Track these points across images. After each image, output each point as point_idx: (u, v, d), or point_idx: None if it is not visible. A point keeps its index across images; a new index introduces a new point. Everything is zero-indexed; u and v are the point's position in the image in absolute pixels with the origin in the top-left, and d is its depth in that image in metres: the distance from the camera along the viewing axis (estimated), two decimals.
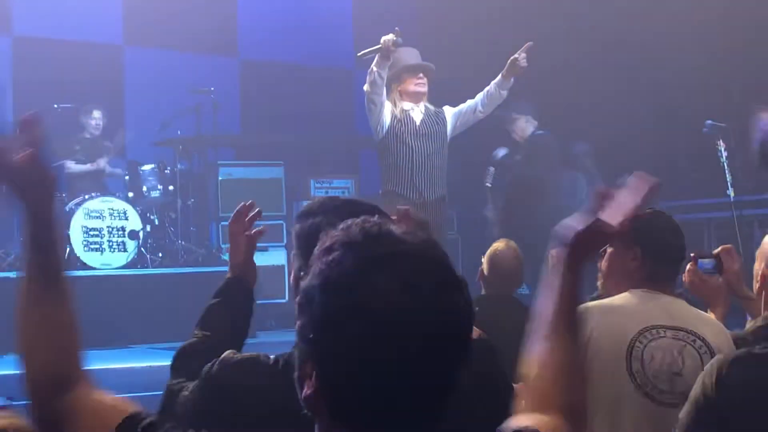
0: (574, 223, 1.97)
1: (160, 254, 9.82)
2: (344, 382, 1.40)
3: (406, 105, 7.33)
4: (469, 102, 7.49)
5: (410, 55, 7.46)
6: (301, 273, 2.39)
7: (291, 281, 2.48)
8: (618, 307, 3.27)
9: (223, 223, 10.32)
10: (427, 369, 1.39)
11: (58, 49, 10.91)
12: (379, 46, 7.04)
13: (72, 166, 10.03)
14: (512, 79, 7.36)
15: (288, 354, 2.39)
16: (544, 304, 1.97)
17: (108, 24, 11.46)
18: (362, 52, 7.23)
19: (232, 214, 3.02)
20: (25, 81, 10.92)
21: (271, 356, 2.43)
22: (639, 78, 10.31)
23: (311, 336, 1.41)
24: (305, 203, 2.59)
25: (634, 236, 3.35)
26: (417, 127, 7.27)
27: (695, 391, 2.43)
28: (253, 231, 2.95)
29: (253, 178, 10.56)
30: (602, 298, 3.44)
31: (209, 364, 2.46)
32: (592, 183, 11.14)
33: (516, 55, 7.27)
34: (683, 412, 2.46)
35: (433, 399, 1.42)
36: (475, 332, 3.03)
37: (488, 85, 7.44)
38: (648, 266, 3.33)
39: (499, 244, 5.26)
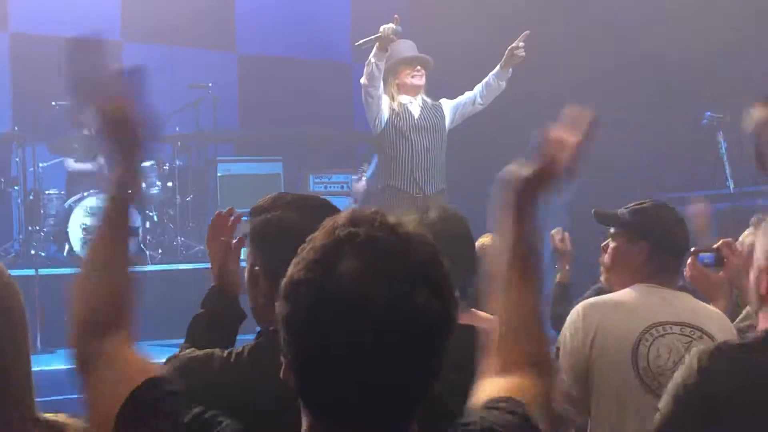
0: (518, 167, 1.92)
1: (160, 251, 9.81)
2: (300, 371, 1.43)
3: (404, 98, 7.30)
4: (468, 94, 7.46)
5: (407, 48, 7.43)
6: (255, 268, 2.40)
7: (246, 277, 2.47)
8: (622, 304, 3.25)
9: None
10: (375, 367, 1.38)
11: (55, 46, 10.86)
12: (378, 35, 7.00)
13: (71, 164, 10.01)
14: (510, 70, 7.34)
15: (246, 346, 2.38)
16: (496, 255, 1.92)
17: (106, 20, 11.43)
18: (361, 41, 7.21)
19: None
20: (23, 78, 10.90)
21: (226, 350, 2.42)
22: (637, 69, 10.29)
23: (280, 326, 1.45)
24: None
25: (641, 230, 3.34)
26: (415, 121, 7.24)
27: (675, 380, 2.41)
28: (234, 240, 2.92)
29: (252, 174, 10.54)
30: (605, 293, 3.43)
31: (174, 364, 2.44)
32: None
33: (514, 45, 7.26)
34: (663, 402, 2.43)
35: (385, 397, 1.41)
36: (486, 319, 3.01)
37: (486, 76, 7.42)
38: (655, 260, 3.32)
39: (485, 239, 5.26)
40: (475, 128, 8.06)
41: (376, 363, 1.38)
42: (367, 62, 7.06)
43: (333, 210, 2.35)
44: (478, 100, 7.42)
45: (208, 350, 2.45)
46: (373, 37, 7.07)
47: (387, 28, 6.95)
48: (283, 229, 2.30)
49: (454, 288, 1.48)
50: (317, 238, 1.45)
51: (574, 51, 10.50)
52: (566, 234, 4.84)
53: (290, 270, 1.45)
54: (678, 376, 2.39)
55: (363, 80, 7.16)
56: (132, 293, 1.87)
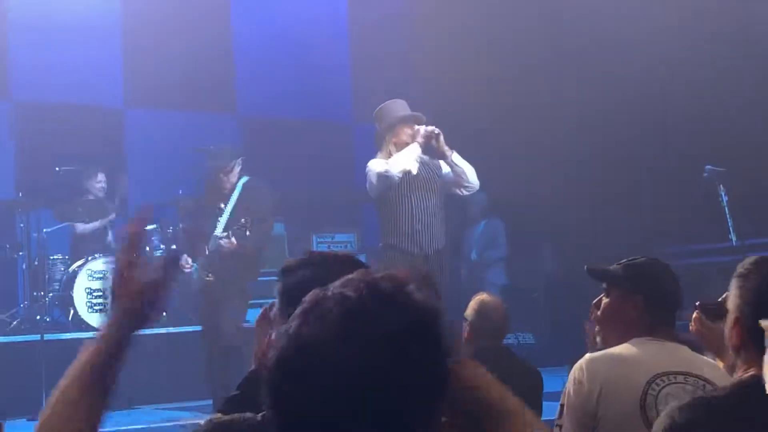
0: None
1: (164, 314, 9.80)
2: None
3: None
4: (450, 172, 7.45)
5: (400, 107, 7.47)
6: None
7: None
8: (625, 356, 3.25)
9: None
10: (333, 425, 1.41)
11: (58, 113, 10.97)
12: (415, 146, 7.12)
13: (76, 228, 10.05)
14: (450, 155, 7.33)
15: None
16: None
17: (108, 87, 11.54)
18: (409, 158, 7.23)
19: None
20: (26, 145, 10.97)
21: (259, 415, 2.42)
22: (637, 122, 10.35)
23: None
24: None
25: (635, 284, 3.35)
26: (414, 179, 7.24)
27: None
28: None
29: None
30: (600, 350, 3.42)
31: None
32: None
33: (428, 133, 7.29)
34: None
35: None
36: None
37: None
38: (650, 314, 3.33)
39: (483, 296, 5.27)
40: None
41: (331, 421, 1.41)
42: (409, 157, 7.12)
43: (360, 265, 2.39)
44: (463, 186, 7.42)
45: (240, 414, 2.45)
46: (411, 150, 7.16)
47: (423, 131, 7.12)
48: (305, 286, 2.31)
49: (428, 363, 1.48)
50: (312, 293, 1.53)
51: (572, 102, 10.57)
52: None
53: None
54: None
55: (383, 180, 7.15)
56: None
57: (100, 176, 10.18)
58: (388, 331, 1.44)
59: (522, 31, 10.90)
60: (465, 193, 7.46)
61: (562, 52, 10.73)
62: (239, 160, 8.51)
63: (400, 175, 7.11)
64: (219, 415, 2.50)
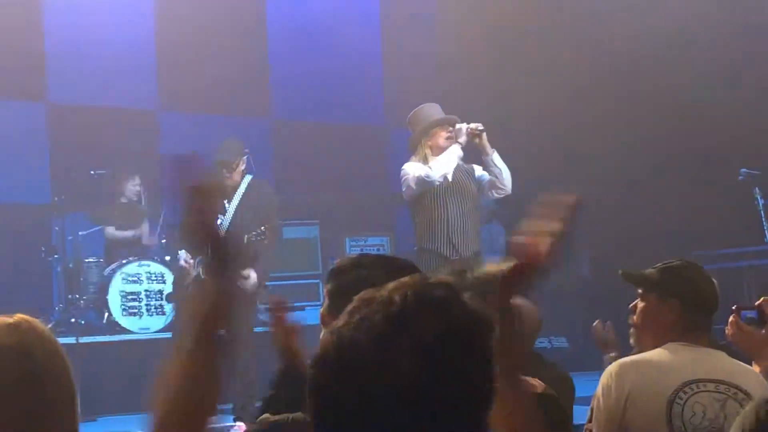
0: (497, 267, 1.95)
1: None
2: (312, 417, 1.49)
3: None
4: (487, 175, 7.42)
5: (435, 110, 7.46)
6: None
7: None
8: (655, 363, 3.23)
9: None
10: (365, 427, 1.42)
11: (93, 116, 11.04)
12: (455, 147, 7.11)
13: (111, 231, 10.11)
14: (491, 153, 7.30)
15: None
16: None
17: (142, 90, 11.60)
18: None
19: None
20: (61, 148, 11.05)
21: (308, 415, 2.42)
22: (673, 129, 10.29)
23: None
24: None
25: (671, 288, 3.32)
26: (450, 184, 7.23)
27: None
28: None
29: (288, 238, 10.57)
30: (635, 354, 3.40)
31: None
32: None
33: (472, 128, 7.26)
34: None
35: None
36: (540, 386, 3.02)
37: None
38: (686, 318, 3.30)
39: (519, 300, 5.24)
40: None
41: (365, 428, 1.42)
42: (450, 160, 7.10)
43: (415, 269, 2.40)
44: (497, 188, 7.39)
45: (290, 414, 2.46)
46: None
47: (467, 128, 7.09)
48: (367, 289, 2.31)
49: (469, 375, 1.48)
50: (364, 293, 1.52)
51: (608, 104, 10.51)
52: (609, 323, 4.80)
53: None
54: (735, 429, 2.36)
55: (422, 184, 7.13)
56: (215, 406, 1.91)
57: (136, 179, 10.22)
58: (427, 340, 1.43)
59: (557, 29, 10.86)
60: (496, 195, 7.43)
61: (597, 52, 10.67)
62: (245, 158, 8.35)
63: (442, 179, 7.10)
64: (267, 415, 2.51)
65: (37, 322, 2.26)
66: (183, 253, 8.18)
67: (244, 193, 8.17)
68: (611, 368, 3.26)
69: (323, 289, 2.74)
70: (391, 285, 1.51)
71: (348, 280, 2.43)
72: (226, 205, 8.13)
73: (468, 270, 3.07)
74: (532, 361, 4.92)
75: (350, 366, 1.43)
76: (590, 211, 10.86)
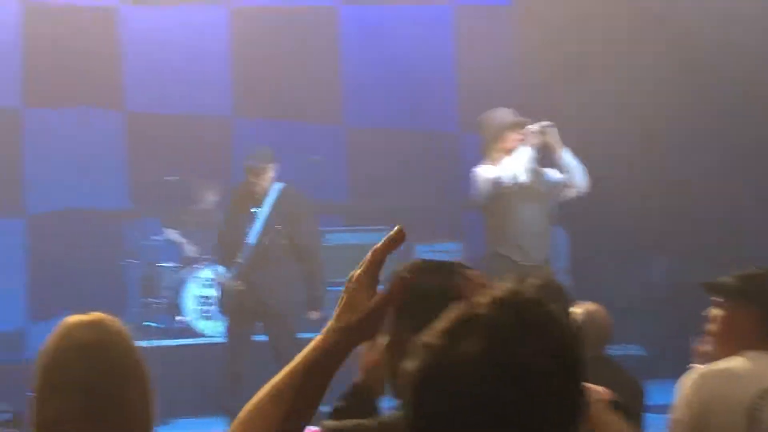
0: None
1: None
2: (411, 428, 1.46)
3: None
4: (558, 174, 7.37)
5: (506, 113, 7.43)
6: (404, 334, 2.39)
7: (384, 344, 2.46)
8: (735, 372, 3.19)
9: (330, 288, 10.37)
10: None
11: (169, 123, 11.20)
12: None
13: (185, 236, 10.21)
14: (562, 152, 7.23)
15: (392, 414, 2.38)
16: None
17: (217, 97, 11.73)
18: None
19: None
20: (138, 154, 11.22)
21: (375, 420, 2.42)
22: (754, 132, 10.14)
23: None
24: None
25: (750, 296, 3.28)
26: (522, 187, 7.18)
27: None
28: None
29: (360, 244, 10.59)
30: (711, 361, 3.35)
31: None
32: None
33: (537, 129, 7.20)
34: None
35: None
36: (606, 393, 2.98)
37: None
38: (765, 326, 3.25)
39: (587, 305, 5.22)
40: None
41: None
42: (522, 162, 7.08)
43: (461, 271, 2.38)
44: (569, 187, 7.33)
45: (356, 420, 2.46)
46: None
47: (538, 126, 7.07)
48: (425, 294, 2.30)
49: (576, 401, 1.47)
50: (457, 308, 1.49)
51: (689, 107, 10.38)
52: None
53: (425, 333, 1.50)
54: None
55: (497, 186, 7.10)
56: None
57: (212, 186, 10.29)
58: (531, 367, 1.42)
59: (638, 28, 10.73)
60: (570, 195, 7.37)
61: (680, 51, 10.53)
62: (273, 165, 8.34)
63: (512, 181, 7.06)
64: (328, 422, 2.50)
65: (114, 320, 2.32)
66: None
67: (275, 201, 8.13)
68: (691, 377, 3.22)
69: None
70: (485, 299, 1.47)
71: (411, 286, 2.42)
72: (255, 211, 8.10)
73: (531, 276, 3.05)
74: (600, 366, 4.88)
75: (457, 386, 1.42)
76: (666, 216, 10.72)
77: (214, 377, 8.64)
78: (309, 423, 1.82)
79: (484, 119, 7.41)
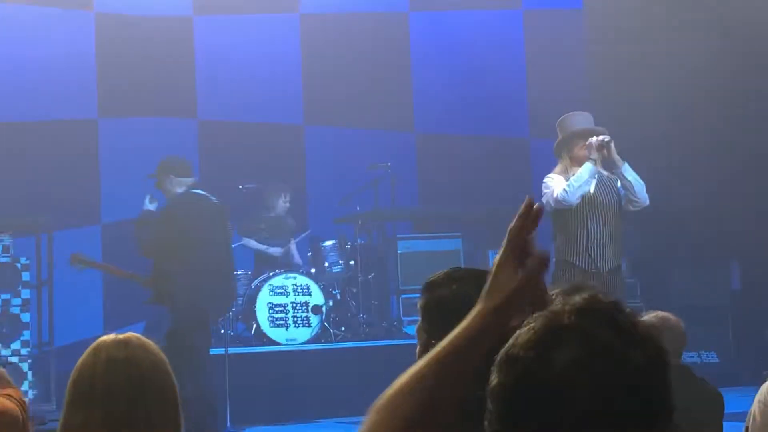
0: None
1: (343, 328, 9.96)
2: None
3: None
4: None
5: (581, 120, 7.36)
6: (433, 342, 2.39)
7: (417, 354, 2.45)
8: None
9: (403, 296, 10.40)
10: None
11: (240, 131, 11.31)
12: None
13: (255, 245, 10.28)
14: (620, 162, 7.14)
15: None
16: None
17: (289, 105, 11.82)
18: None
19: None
20: (211, 162, 11.34)
21: None
22: None
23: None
24: None
25: None
26: (591, 195, 7.12)
27: None
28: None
29: (431, 251, 10.61)
30: None
31: None
32: None
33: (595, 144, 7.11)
34: None
35: None
36: None
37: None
38: None
39: (662, 313, 5.17)
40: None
41: None
42: (584, 181, 7.01)
43: None
44: (630, 201, 7.24)
45: None
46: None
47: (596, 142, 6.99)
48: (459, 304, 2.31)
49: (670, 397, 1.46)
50: (541, 318, 1.47)
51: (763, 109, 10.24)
52: None
53: (508, 344, 1.48)
54: None
55: (566, 196, 7.05)
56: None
57: (286, 196, 10.34)
58: (632, 374, 1.41)
59: (712, 29, 10.60)
60: (632, 208, 7.28)
61: (747, 52, 10.38)
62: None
63: (578, 201, 7.02)
64: None
65: (147, 340, 2.44)
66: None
67: None
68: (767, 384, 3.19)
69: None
70: (568, 308, 1.46)
71: (439, 295, 2.42)
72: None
73: (594, 286, 3.02)
74: (680, 376, 4.83)
75: (556, 398, 1.41)
76: (741, 221, 10.58)
77: (288, 384, 8.72)
78: (451, 415, 1.75)
79: (560, 121, 7.37)
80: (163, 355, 2.46)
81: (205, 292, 7.74)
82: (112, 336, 2.43)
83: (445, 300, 2.40)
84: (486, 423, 1.49)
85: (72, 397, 2.35)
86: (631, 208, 7.25)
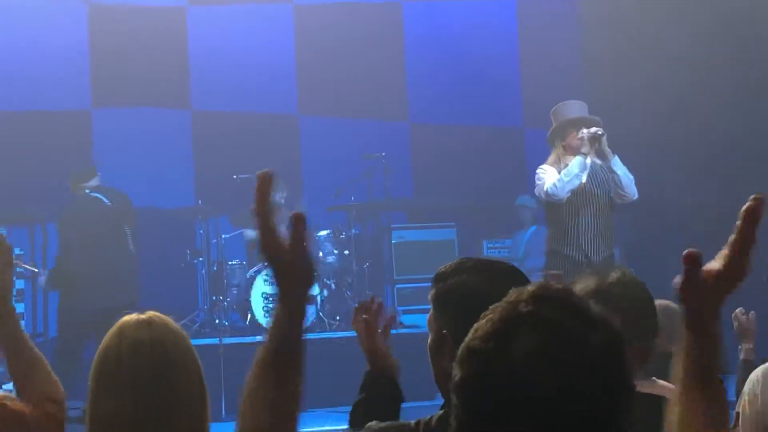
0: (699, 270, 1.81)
1: (337, 318, 9.97)
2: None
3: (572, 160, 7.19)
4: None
5: (576, 109, 7.35)
6: (443, 332, 2.41)
7: (429, 345, 2.47)
8: None
9: (398, 285, 10.41)
10: None
11: (234, 122, 11.29)
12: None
13: (253, 234, 10.28)
14: (610, 155, 7.13)
15: (434, 415, 2.39)
16: None
17: (283, 95, 11.81)
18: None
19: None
20: (205, 153, 11.34)
21: (412, 421, 2.42)
22: None
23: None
24: None
25: None
26: (583, 186, 7.12)
27: None
28: (386, 321, 2.92)
29: (426, 240, 10.63)
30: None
31: None
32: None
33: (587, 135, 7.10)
34: None
35: None
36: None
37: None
38: None
39: (660, 302, 5.17)
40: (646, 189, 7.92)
41: None
42: (575, 176, 6.99)
43: (517, 274, 2.38)
44: (618, 194, 7.23)
45: (395, 423, 2.48)
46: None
47: (587, 135, 6.96)
48: (469, 294, 2.31)
49: (630, 380, 1.47)
50: (498, 309, 1.48)
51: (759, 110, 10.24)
52: (752, 313, 4.74)
53: (468, 337, 1.49)
54: None
55: (556, 190, 7.04)
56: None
57: (282, 186, 10.32)
58: (592, 355, 1.43)
59: (704, 25, 10.59)
60: (619, 201, 7.27)
61: (741, 38, 10.38)
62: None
63: (568, 195, 7.00)
64: (374, 422, 2.51)
65: (169, 319, 2.38)
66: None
67: None
68: (758, 372, 3.19)
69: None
70: (524, 296, 1.47)
71: (448, 285, 2.43)
72: None
73: (610, 273, 3.02)
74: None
75: (517, 387, 1.42)
76: (733, 211, 10.57)
77: None
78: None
79: (554, 110, 7.35)
80: (183, 332, 2.42)
81: (97, 290, 8.01)
82: (134, 316, 2.37)
83: (454, 290, 2.40)
84: (452, 418, 1.49)
85: (98, 384, 2.30)
86: (618, 201, 7.25)
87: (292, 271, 1.85)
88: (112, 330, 2.36)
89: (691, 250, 1.76)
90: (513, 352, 1.42)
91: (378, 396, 2.79)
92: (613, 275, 3.00)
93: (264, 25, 11.67)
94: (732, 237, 1.77)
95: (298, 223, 1.84)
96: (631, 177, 7.19)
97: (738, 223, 1.76)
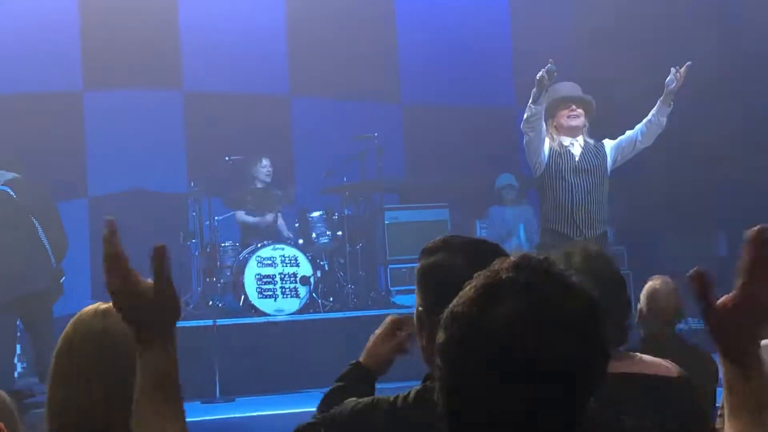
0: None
1: (331, 299, 9.98)
2: (446, 398, 1.52)
3: (565, 140, 7.18)
4: (629, 133, 7.29)
5: (567, 88, 7.34)
6: (420, 308, 2.43)
7: (414, 317, 2.50)
8: None
9: (391, 266, 10.42)
10: (510, 410, 1.46)
11: (226, 103, 11.27)
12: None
13: (244, 217, 10.29)
14: (671, 105, 7.17)
15: (412, 389, 2.40)
16: None
17: (275, 76, 11.79)
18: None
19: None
20: (197, 135, 11.32)
21: (392, 396, 2.44)
22: None
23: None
24: None
25: None
26: (576, 163, 7.11)
27: None
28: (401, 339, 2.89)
29: (418, 221, 10.63)
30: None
31: (330, 413, 2.49)
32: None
33: (671, 76, 7.11)
34: None
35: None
36: (675, 370, 2.97)
37: (649, 114, 7.27)
38: None
39: (655, 282, 5.17)
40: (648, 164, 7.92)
41: (513, 407, 1.45)
42: (527, 107, 7.01)
43: (501, 254, 2.38)
44: (639, 138, 7.25)
45: (374, 397, 2.49)
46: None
47: (543, 70, 6.87)
48: (450, 273, 2.31)
49: (606, 342, 1.52)
50: (481, 276, 1.54)
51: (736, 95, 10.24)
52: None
53: (452, 303, 1.54)
54: None
55: (523, 125, 7.10)
56: None
57: (265, 161, 10.33)
58: (570, 319, 1.48)
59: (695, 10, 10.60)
60: (640, 146, 7.31)
61: (737, 17, 10.37)
62: None
63: (538, 106, 6.90)
64: (353, 399, 2.52)
65: None
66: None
67: None
68: None
69: None
70: (504, 265, 1.53)
71: (430, 262, 2.44)
72: None
73: (580, 250, 3.01)
74: (673, 344, 4.84)
75: (495, 351, 1.47)
76: (726, 189, 10.57)
77: (276, 355, 8.75)
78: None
79: (546, 93, 7.33)
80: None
81: (11, 280, 8.09)
82: (93, 306, 2.36)
83: (434, 267, 2.42)
84: (437, 380, 1.54)
85: (53, 372, 2.31)
86: (639, 147, 7.29)
87: (160, 308, 1.78)
88: (72, 319, 2.36)
89: (697, 269, 1.75)
90: (494, 316, 1.47)
91: (353, 389, 2.79)
92: (578, 256, 2.99)
93: (255, 6, 11.64)
94: (742, 263, 1.78)
95: (158, 257, 1.78)
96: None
97: (745, 249, 1.77)
